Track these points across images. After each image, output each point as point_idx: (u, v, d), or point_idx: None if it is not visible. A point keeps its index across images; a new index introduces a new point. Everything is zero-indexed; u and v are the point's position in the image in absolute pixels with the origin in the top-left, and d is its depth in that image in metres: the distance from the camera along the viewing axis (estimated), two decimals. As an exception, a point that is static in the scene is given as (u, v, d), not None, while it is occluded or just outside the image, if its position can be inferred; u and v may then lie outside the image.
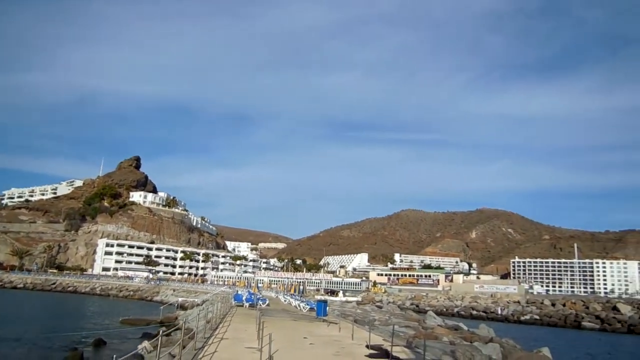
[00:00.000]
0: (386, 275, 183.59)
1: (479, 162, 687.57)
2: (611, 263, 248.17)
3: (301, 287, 65.88)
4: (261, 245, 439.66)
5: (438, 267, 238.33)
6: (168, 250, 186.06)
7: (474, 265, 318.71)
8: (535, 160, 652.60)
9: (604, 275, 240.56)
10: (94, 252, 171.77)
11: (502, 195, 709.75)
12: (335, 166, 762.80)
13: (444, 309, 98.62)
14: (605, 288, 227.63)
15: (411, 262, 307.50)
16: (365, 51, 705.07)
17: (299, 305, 40.76)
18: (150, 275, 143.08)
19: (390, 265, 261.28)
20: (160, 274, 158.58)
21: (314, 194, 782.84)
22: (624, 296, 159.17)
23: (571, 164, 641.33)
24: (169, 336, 22.00)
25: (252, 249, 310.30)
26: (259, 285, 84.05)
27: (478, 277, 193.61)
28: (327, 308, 37.19)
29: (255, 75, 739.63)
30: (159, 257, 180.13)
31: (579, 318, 75.49)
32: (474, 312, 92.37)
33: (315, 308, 34.09)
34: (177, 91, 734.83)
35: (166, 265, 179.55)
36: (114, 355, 9.87)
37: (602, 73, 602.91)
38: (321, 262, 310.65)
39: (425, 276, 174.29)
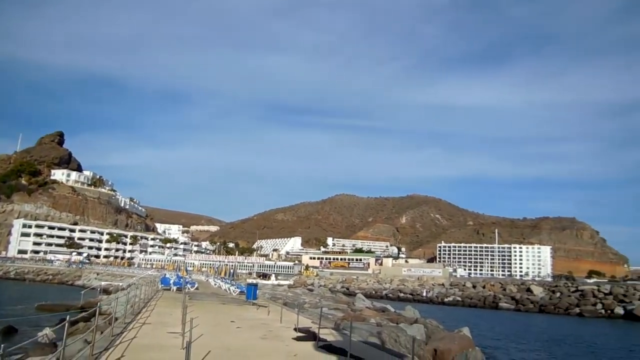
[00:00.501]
0: (319, 259, 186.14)
1: (410, 149, 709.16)
2: (527, 248, 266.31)
3: (232, 271, 65.02)
4: (193, 228, 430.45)
5: (369, 251, 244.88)
6: (93, 232, 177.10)
7: (403, 249, 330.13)
8: (463, 149, 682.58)
9: (521, 259, 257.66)
10: (9, 234, 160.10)
11: (432, 182, 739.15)
12: (272, 149, 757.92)
13: (374, 292, 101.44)
14: (521, 271, 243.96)
15: (343, 246, 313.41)
16: (305, 34, 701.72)
17: (229, 289, 40.20)
18: (72, 258, 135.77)
19: (322, 249, 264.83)
20: (84, 256, 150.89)
21: (249, 177, 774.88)
22: (537, 279, 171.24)
23: (495, 154, 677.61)
24: (87, 322, 20.82)
25: (183, 232, 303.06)
26: (189, 268, 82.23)
27: (406, 261, 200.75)
28: (258, 291, 36.98)
29: (189, 51, 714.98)
30: (83, 239, 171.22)
31: (497, 299, 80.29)
32: (402, 295, 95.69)
33: (245, 291, 33.72)
34: (103, 63, 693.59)
35: (90, 247, 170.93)
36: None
37: (525, 69, 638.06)
38: (254, 246, 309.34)
39: (357, 260, 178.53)
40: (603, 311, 63.14)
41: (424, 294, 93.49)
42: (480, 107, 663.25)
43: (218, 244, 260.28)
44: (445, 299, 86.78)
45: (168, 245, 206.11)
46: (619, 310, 61.38)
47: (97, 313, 11.82)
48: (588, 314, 62.78)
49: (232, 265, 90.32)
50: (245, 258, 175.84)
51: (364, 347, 14.17)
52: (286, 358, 11.93)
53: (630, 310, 59.54)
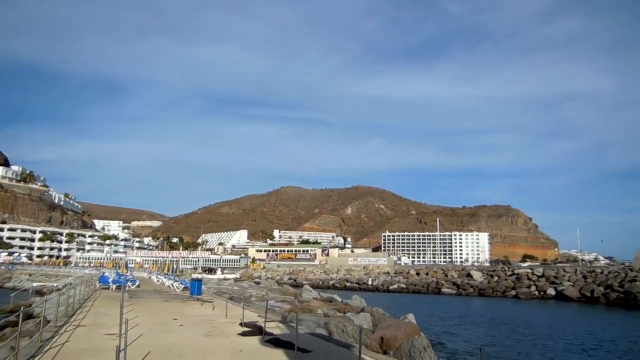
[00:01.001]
0: (265, 251, 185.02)
1: (354, 141, 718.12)
2: (466, 235, 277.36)
3: (175, 266, 63.19)
4: (134, 223, 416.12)
5: (315, 242, 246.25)
6: (24, 230, 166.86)
7: (349, 239, 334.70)
8: (405, 141, 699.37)
9: (461, 246, 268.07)
10: None
11: (376, 173, 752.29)
12: (215, 141, 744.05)
13: (321, 282, 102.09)
14: (462, 257, 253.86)
15: (290, 238, 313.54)
16: (246, 25, 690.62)
17: (172, 285, 38.95)
18: (1, 259, 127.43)
19: (269, 242, 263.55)
20: (15, 257, 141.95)
21: (192, 170, 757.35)
22: (476, 264, 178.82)
23: (436, 145, 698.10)
24: (15, 327, 19.38)
25: (123, 228, 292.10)
26: (129, 265, 79.18)
27: (352, 251, 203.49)
28: (203, 287, 36.04)
29: (123, 39, 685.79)
30: (13, 238, 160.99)
31: (439, 285, 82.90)
32: (348, 284, 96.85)
33: (189, 287, 32.72)
34: (28, 49, 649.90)
35: (22, 247, 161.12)
36: None
37: (461, 63, 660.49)
38: (199, 240, 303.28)
39: (303, 251, 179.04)
40: (537, 293, 66.66)
41: (370, 283, 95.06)
42: (420, 100, 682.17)
43: (161, 239, 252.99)
44: (391, 287, 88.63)
45: (107, 242, 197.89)
46: (551, 292, 65.03)
47: (20, 316, 10.86)
48: (523, 295, 66.07)
49: (175, 261, 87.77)
50: (190, 253, 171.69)
51: (312, 339, 13.98)
52: (231, 355, 11.51)
53: (560, 291, 63.23)
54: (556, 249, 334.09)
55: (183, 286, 36.55)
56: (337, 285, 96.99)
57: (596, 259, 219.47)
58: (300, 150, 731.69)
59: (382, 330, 17.48)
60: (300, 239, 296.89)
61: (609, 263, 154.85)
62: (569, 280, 69.88)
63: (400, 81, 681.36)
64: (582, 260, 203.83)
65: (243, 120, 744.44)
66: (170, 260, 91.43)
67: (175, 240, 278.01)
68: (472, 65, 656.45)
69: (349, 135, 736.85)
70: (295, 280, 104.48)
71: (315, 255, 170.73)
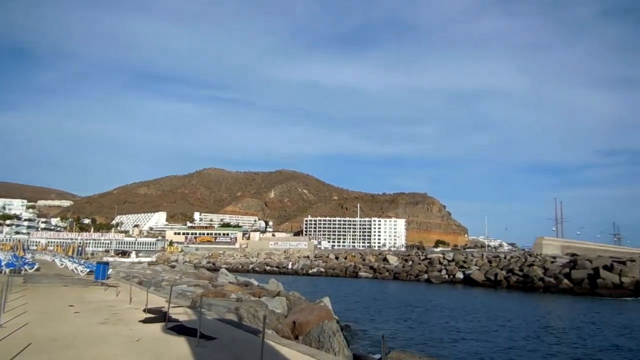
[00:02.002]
0: (184, 234, 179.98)
1: (280, 125, 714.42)
2: (385, 221, 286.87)
3: (80, 249, 59.27)
4: (41, 202, 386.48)
5: (237, 226, 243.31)
6: None
7: (271, 223, 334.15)
8: (330, 127, 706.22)
9: (379, 232, 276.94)
10: None
11: (301, 158, 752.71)
12: (135, 118, 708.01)
13: (240, 266, 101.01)
14: (380, 242, 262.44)
15: (211, 221, 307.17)
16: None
17: (77, 269, 36.32)
18: None
19: (189, 224, 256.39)
20: None
21: (108, 148, 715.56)
22: (392, 249, 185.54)
23: (359, 132, 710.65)
24: None
25: (28, 207, 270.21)
26: (32, 247, 73.23)
27: (273, 235, 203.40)
28: (110, 270, 33.94)
29: (33, 4, 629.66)
30: None
31: (357, 269, 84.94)
32: (268, 268, 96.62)
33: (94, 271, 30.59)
34: None
35: None
36: None
37: (388, 53, 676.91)
38: (114, 222, 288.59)
39: (224, 234, 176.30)
40: (447, 276, 70.21)
41: (290, 267, 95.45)
42: (347, 87, 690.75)
43: (70, 220, 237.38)
44: (310, 271, 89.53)
45: (8, 222, 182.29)
46: (460, 275, 68.77)
47: None
48: (435, 279, 69.32)
49: (80, 243, 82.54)
50: (102, 235, 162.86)
51: (220, 326, 13.31)
52: (126, 344, 10.56)
53: (468, 274, 67.04)
54: (466, 235, 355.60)
55: (88, 270, 34.18)
56: (257, 269, 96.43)
57: (501, 245, 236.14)
58: (225, 132, 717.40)
59: (295, 314, 17.18)
60: (222, 222, 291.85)
61: (512, 249, 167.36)
62: (476, 265, 74.24)
63: (328, 68, 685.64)
64: (489, 246, 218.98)
65: (166, 97, 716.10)
66: (76, 242, 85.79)
67: (87, 221, 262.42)
68: (399, 56, 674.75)
69: (276, 119, 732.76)
70: (214, 264, 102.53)
71: (235, 238, 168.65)
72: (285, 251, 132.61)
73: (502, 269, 66.37)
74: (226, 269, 67.54)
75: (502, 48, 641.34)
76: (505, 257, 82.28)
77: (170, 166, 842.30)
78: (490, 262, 76.61)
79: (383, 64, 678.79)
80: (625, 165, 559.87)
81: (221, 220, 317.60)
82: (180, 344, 10.83)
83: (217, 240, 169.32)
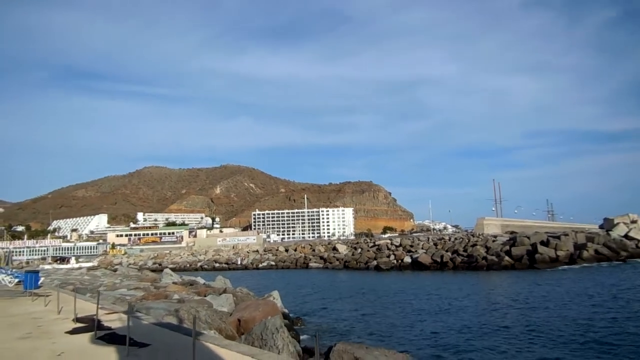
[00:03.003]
0: (127, 235, 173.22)
1: (219, 119, 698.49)
2: (333, 210, 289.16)
3: (9, 258, 55.40)
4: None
5: (182, 224, 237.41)
6: None
7: (218, 219, 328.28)
8: (271, 119, 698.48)
9: (328, 221, 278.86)
10: None
11: (245, 152, 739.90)
12: (65, 118, 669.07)
13: (188, 265, 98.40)
14: (329, 232, 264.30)
15: (156, 220, 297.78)
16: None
17: (4, 279, 33.60)
18: None
19: (132, 225, 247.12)
20: None
21: (38, 150, 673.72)
22: (342, 238, 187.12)
23: (300, 124, 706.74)
24: None
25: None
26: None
27: (221, 231, 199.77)
28: (43, 279, 31.74)
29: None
30: None
31: (307, 260, 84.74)
32: (217, 265, 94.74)
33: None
34: None
35: None
36: None
37: (323, 45, 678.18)
38: (50, 227, 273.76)
39: (169, 234, 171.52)
40: (395, 262, 71.16)
41: (239, 262, 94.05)
42: (284, 78, 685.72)
43: (2, 228, 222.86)
44: (260, 265, 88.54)
45: None
46: (408, 259, 69.87)
47: None
48: (384, 265, 70.05)
49: (9, 252, 77.44)
50: (37, 242, 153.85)
51: (156, 330, 12.37)
52: (46, 360, 9.47)
53: (415, 258, 68.25)
54: (412, 220, 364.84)
55: (17, 280, 31.69)
56: (206, 266, 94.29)
57: (445, 228, 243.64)
58: (162, 128, 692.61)
59: (240, 311, 16.40)
60: (167, 222, 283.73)
61: (455, 231, 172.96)
62: (422, 248, 75.81)
63: (264, 60, 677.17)
64: (434, 229, 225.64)
65: (94, 95, 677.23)
66: (5, 252, 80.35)
67: (20, 228, 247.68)
68: (334, 47, 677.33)
69: (214, 113, 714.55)
70: (160, 265, 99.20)
71: (182, 237, 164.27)
72: (234, 247, 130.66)
73: (447, 251, 68.09)
74: (173, 269, 65.35)
75: (432, 38, 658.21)
76: (449, 239, 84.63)
77: (108, 166, 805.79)
78: (435, 244, 78.45)
79: (319, 56, 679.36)
80: (551, 147, 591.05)
81: (166, 219, 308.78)
82: (109, 354, 9.85)
83: (162, 240, 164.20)
